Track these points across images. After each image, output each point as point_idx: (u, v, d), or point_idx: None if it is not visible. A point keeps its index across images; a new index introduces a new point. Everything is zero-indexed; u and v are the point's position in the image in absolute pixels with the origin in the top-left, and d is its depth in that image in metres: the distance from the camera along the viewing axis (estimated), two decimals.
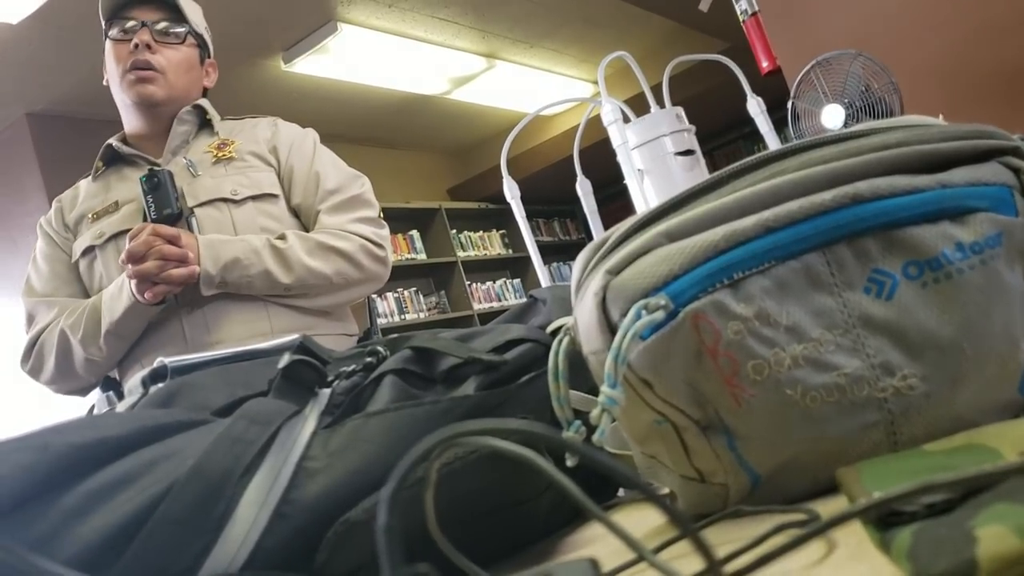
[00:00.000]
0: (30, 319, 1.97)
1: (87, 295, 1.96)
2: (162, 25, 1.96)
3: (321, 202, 1.97)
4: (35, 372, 1.96)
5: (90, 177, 2.06)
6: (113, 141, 2.02)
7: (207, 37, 2.09)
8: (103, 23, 1.97)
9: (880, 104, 2.88)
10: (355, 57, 5.99)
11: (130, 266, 1.72)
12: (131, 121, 2.03)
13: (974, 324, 0.51)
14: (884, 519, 0.38)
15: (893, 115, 2.83)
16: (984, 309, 0.51)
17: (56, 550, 0.50)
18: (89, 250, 1.94)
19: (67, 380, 1.94)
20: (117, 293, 1.81)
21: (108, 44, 1.98)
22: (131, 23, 1.94)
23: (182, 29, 1.99)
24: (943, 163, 0.53)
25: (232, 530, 0.53)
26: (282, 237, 1.87)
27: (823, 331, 0.51)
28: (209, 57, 2.12)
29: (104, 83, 2.05)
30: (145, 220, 1.87)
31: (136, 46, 1.91)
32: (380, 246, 1.97)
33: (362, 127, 7.36)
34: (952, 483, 0.37)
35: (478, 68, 6.84)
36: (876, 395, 0.51)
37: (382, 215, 2.05)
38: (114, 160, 2.04)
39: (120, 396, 1.89)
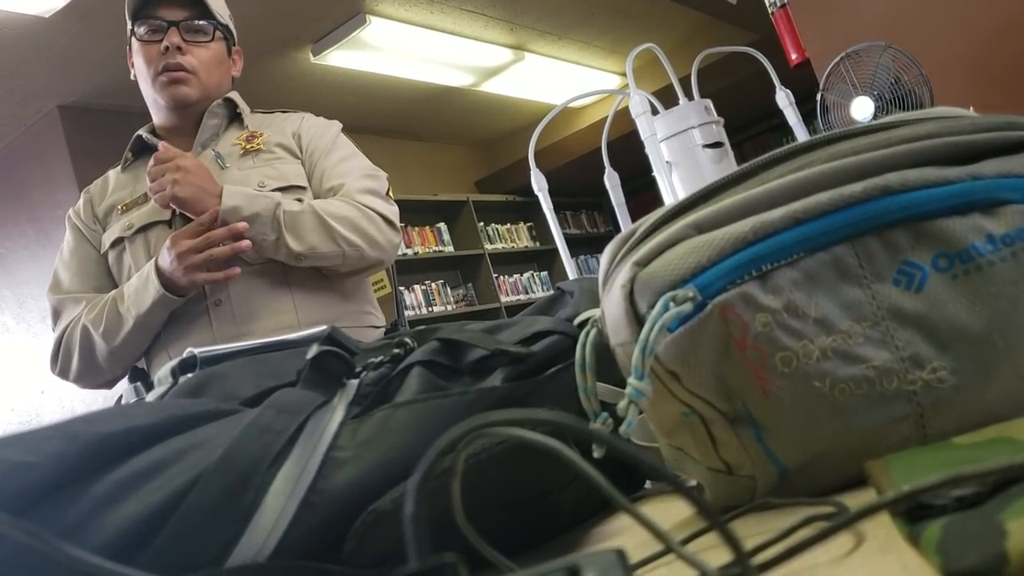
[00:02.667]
0: (56, 316, 1.97)
1: (115, 288, 1.97)
2: (190, 23, 1.95)
3: (332, 180, 1.96)
4: (64, 372, 1.95)
5: (119, 167, 2.07)
6: (142, 132, 2.03)
7: (231, 25, 2.08)
8: (128, 20, 1.96)
9: (910, 96, 2.86)
10: (384, 49, 6.00)
11: (176, 252, 1.74)
12: (161, 117, 2.04)
13: (1005, 317, 0.50)
14: (913, 512, 0.38)
15: (923, 107, 2.81)
16: (1015, 302, 0.50)
17: (86, 538, 0.51)
18: (118, 241, 1.94)
19: (92, 375, 1.94)
20: (143, 286, 1.80)
21: (136, 43, 1.97)
22: (158, 22, 1.93)
23: (209, 25, 1.98)
24: (974, 155, 0.53)
25: (260, 519, 0.54)
26: (299, 201, 1.85)
27: (852, 323, 0.51)
28: (235, 45, 2.11)
29: (132, 78, 2.05)
30: (174, 212, 1.88)
31: (167, 49, 1.91)
32: (389, 219, 1.94)
33: (390, 119, 7.37)
34: (982, 476, 0.36)
35: (506, 60, 6.83)
36: (905, 388, 0.51)
37: (391, 192, 2.03)
38: (143, 151, 2.04)
39: (148, 387, 1.89)
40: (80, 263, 2.00)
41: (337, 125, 2.11)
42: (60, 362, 1.95)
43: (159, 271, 1.78)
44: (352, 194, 1.92)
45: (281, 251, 1.81)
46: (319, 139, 2.03)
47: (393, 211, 1.97)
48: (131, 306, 1.81)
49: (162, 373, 0.78)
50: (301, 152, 2.01)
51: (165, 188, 1.75)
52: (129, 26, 1.97)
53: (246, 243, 1.76)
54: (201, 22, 1.97)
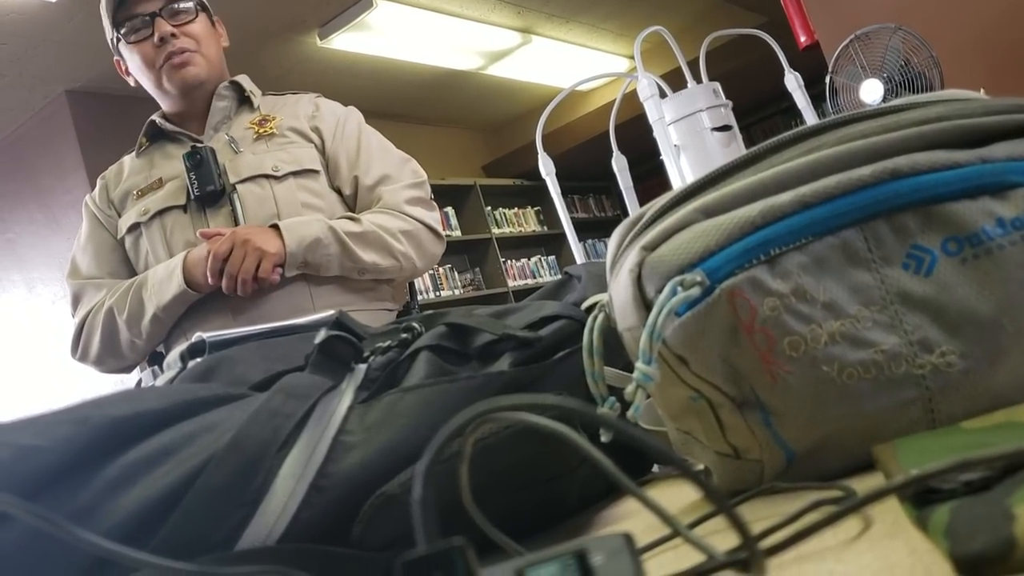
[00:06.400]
0: (76, 301, 1.98)
1: (133, 274, 1.97)
2: (171, 8, 1.92)
3: (373, 188, 1.98)
4: (84, 356, 1.97)
5: (134, 153, 2.07)
6: (156, 117, 2.03)
7: None
8: (110, 28, 1.94)
9: (920, 78, 2.85)
10: (391, 33, 5.98)
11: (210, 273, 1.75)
12: (171, 104, 2.03)
13: (1014, 301, 0.50)
14: (921, 496, 0.37)
15: (933, 90, 2.80)
16: None
17: (97, 521, 0.51)
18: (135, 227, 1.95)
19: (113, 360, 1.96)
20: (167, 277, 1.82)
21: (126, 49, 1.95)
22: (140, 19, 1.91)
23: (189, 3, 1.96)
24: (984, 138, 0.52)
25: (270, 502, 0.54)
26: (356, 220, 1.89)
27: (860, 307, 0.51)
28: (213, 16, 2.07)
29: (133, 85, 2.05)
30: (189, 197, 1.89)
31: (162, 40, 1.89)
32: (436, 230, 2.01)
33: (397, 103, 7.36)
34: (990, 460, 0.36)
35: (514, 43, 6.81)
36: (914, 372, 0.50)
37: (432, 196, 2.06)
38: (157, 136, 2.05)
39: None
40: (96, 249, 2.01)
41: (357, 115, 2.11)
42: (81, 346, 1.96)
43: (186, 264, 1.80)
44: (401, 206, 1.96)
45: (344, 268, 1.87)
46: (343, 132, 2.03)
47: (436, 218, 2.03)
48: (153, 295, 1.83)
49: (171, 357, 0.79)
50: (322, 143, 2.01)
51: (251, 271, 1.76)
52: (112, 35, 1.95)
53: (275, 278, 1.80)
54: (180, 4, 1.95)
